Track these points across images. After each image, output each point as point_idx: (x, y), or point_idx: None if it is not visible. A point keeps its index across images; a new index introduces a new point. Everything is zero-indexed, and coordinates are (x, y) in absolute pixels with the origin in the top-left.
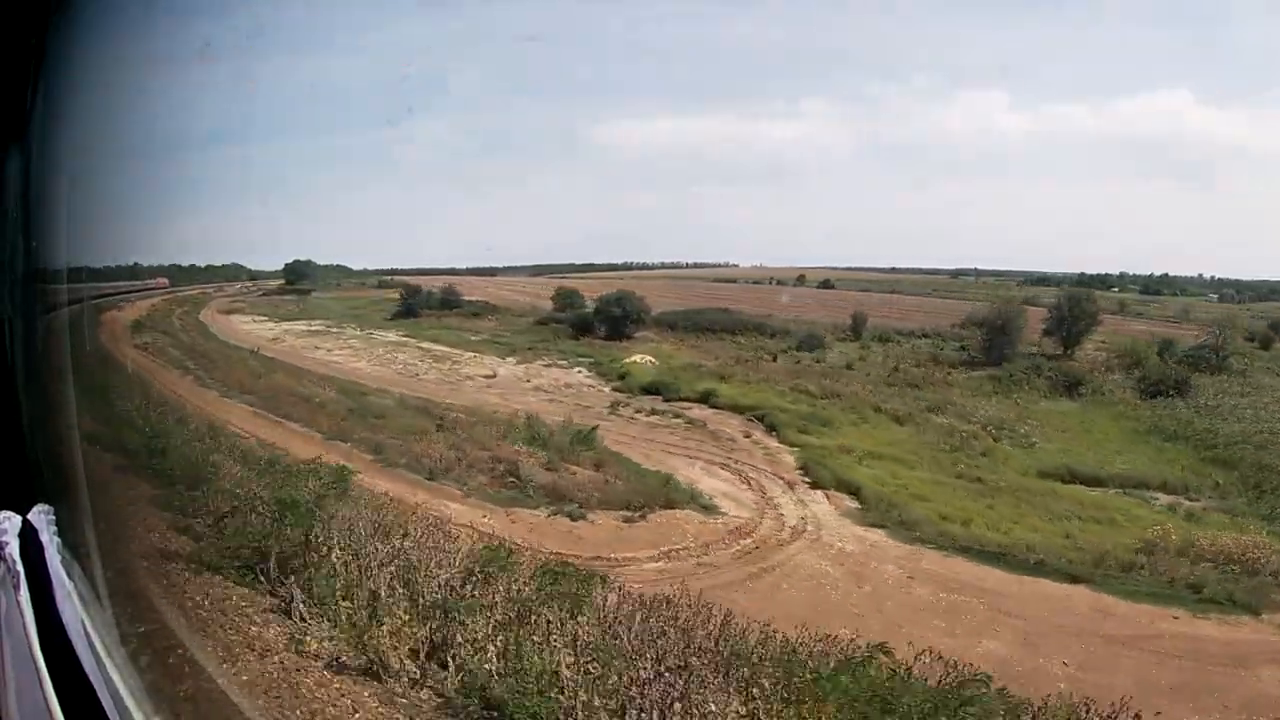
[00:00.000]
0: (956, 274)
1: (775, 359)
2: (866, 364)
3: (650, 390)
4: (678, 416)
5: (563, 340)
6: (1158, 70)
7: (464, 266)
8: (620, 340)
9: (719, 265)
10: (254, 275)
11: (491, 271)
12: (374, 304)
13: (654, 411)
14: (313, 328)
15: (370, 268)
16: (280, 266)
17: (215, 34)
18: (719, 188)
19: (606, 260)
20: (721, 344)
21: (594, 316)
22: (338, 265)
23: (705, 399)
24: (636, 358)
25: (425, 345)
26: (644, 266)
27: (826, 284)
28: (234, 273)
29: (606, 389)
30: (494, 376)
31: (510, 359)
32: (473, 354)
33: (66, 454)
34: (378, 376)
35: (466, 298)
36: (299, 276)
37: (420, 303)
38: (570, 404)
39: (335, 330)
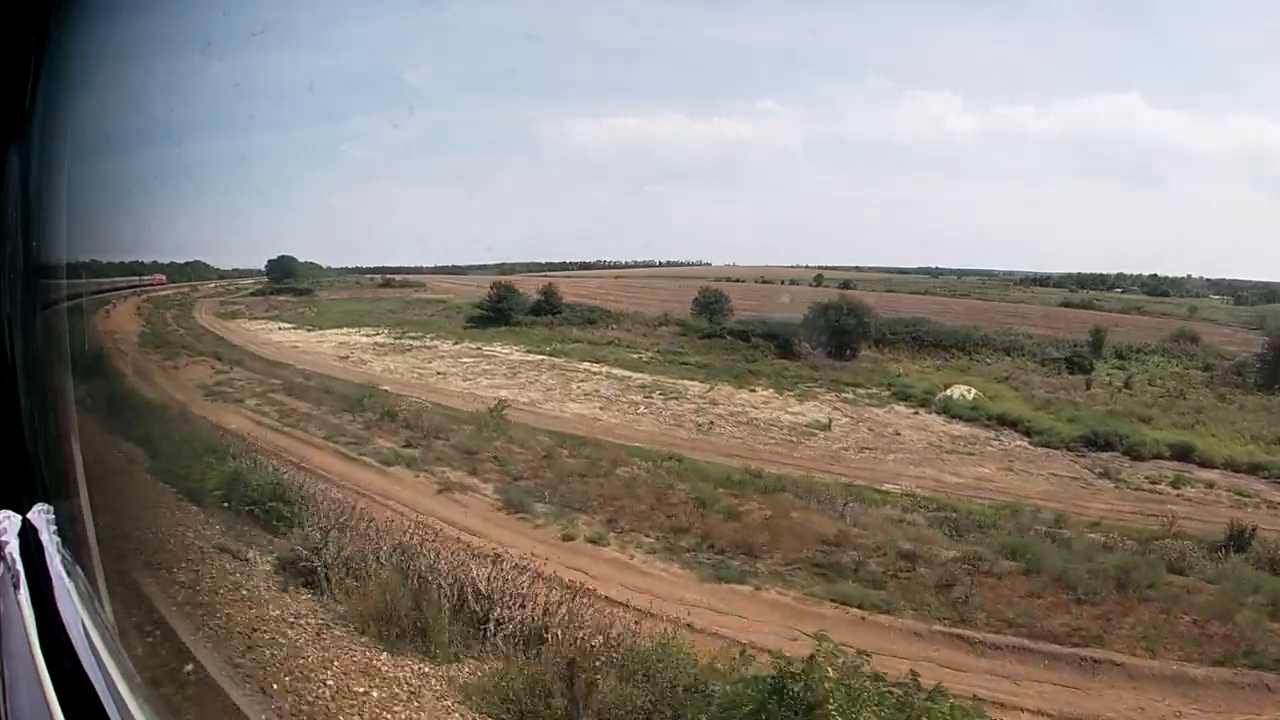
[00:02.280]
0: (936, 273)
1: (1089, 387)
2: (1190, 391)
3: (1094, 443)
4: (1244, 495)
5: (770, 359)
6: (1110, 73)
7: (430, 265)
8: (846, 359)
9: (693, 264)
10: (223, 273)
11: (458, 270)
12: (408, 306)
13: (1180, 480)
14: (377, 340)
15: (333, 265)
16: (242, 264)
17: (216, 33)
18: (689, 187)
19: (579, 259)
20: (971, 363)
21: (806, 329)
22: (308, 263)
23: (1183, 455)
24: (958, 389)
25: (589, 367)
26: (617, 265)
27: (847, 285)
28: (201, 270)
29: (1022, 443)
30: (828, 427)
31: (763, 391)
32: (699, 384)
33: (66, 453)
34: (663, 438)
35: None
36: (285, 274)
37: (513, 306)
38: (1040, 476)
39: (414, 343)
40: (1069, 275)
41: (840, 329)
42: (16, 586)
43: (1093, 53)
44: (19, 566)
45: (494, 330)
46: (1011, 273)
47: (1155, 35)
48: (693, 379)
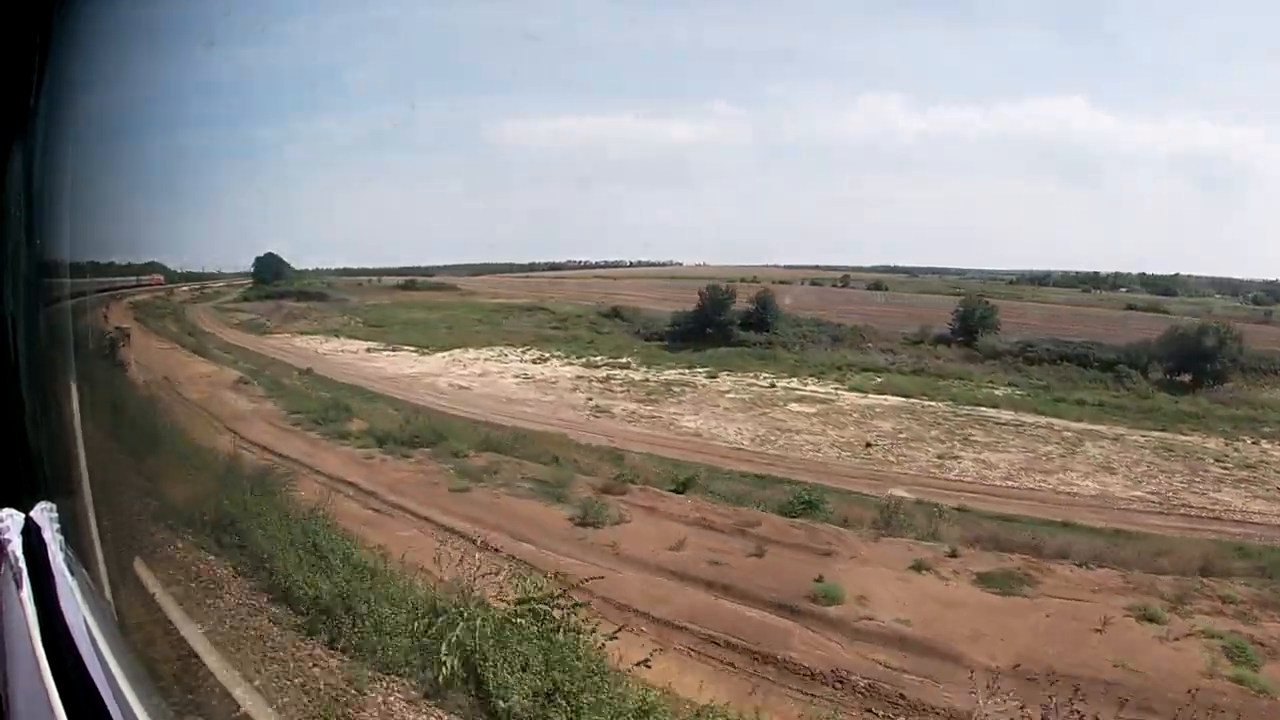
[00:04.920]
0: (914, 273)
1: None
2: None
3: None
4: None
5: (1147, 392)
6: (1054, 77)
7: (396, 266)
8: (1202, 389)
9: (664, 264)
10: (191, 275)
11: (426, 271)
12: (492, 314)
13: None
14: (563, 369)
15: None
16: (195, 265)
17: (218, 31)
18: (667, 189)
19: (548, 260)
20: None
21: (1160, 353)
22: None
23: None
24: None
25: (995, 414)
26: (586, 266)
27: (878, 286)
28: (160, 271)
29: None
30: None
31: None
32: (1188, 435)
33: (69, 451)
34: None
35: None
36: (274, 276)
37: (726, 319)
38: None
39: (636, 375)
40: (1066, 274)
41: (1213, 355)
42: (19, 585)
43: (1042, 57)
44: (22, 565)
45: (713, 351)
46: (1007, 272)
47: (1103, 40)
48: (1133, 428)
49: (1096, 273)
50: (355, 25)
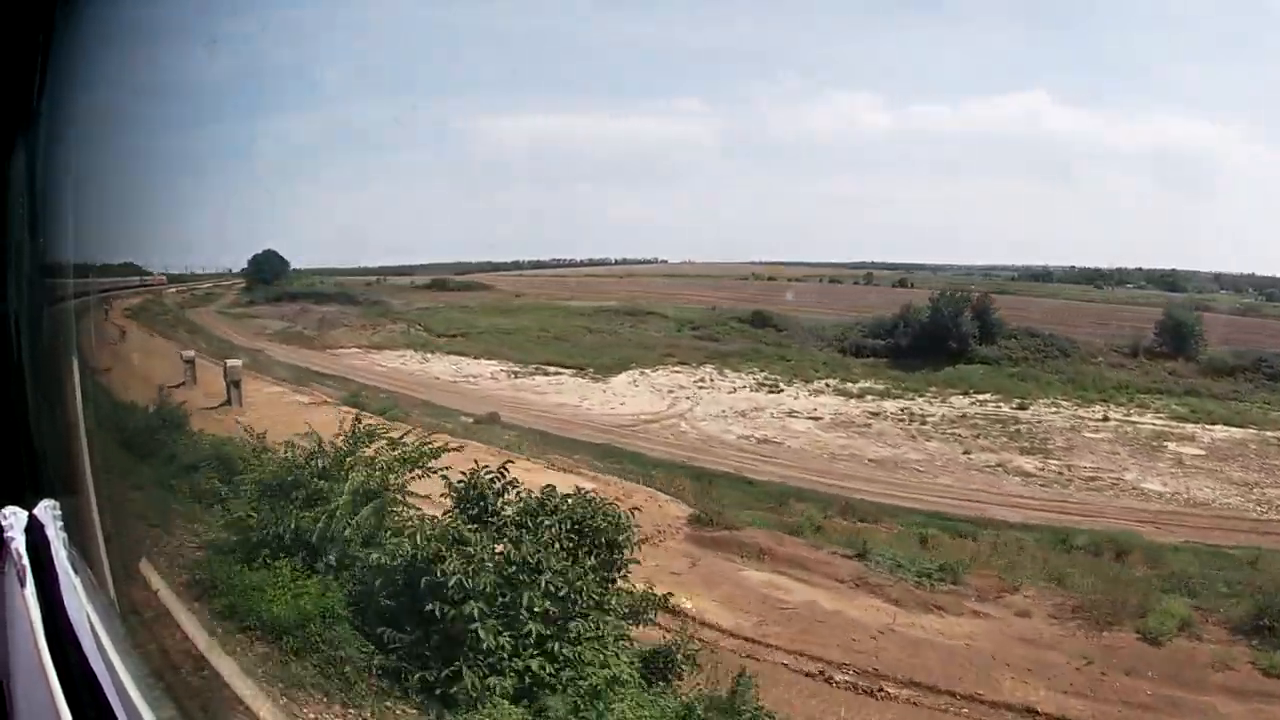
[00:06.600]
0: (909, 269)
1: None
2: None
3: None
4: None
5: None
6: (1019, 72)
7: (379, 265)
8: None
9: (649, 261)
10: (173, 277)
11: (411, 270)
12: (593, 319)
13: None
14: (872, 404)
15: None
16: (183, 265)
17: (221, 29)
18: (649, 188)
19: (531, 258)
20: None
21: None
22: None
23: None
24: None
25: None
26: (571, 264)
27: (902, 283)
28: (138, 272)
29: None
30: None
31: None
32: None
33: (73, 448)
34: None
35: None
36: (274, 275)
37: (965, 331)
38: None
39: (949, 410)
40: (1068, 270)
41: None
42: (23, 582)
43: (1022, 55)
44: (25, 562)
45: (953, 370)
46: (1002, 268)
47: (1082, 36)
48: None
49: (1099, 269)
50: (352, 23)
